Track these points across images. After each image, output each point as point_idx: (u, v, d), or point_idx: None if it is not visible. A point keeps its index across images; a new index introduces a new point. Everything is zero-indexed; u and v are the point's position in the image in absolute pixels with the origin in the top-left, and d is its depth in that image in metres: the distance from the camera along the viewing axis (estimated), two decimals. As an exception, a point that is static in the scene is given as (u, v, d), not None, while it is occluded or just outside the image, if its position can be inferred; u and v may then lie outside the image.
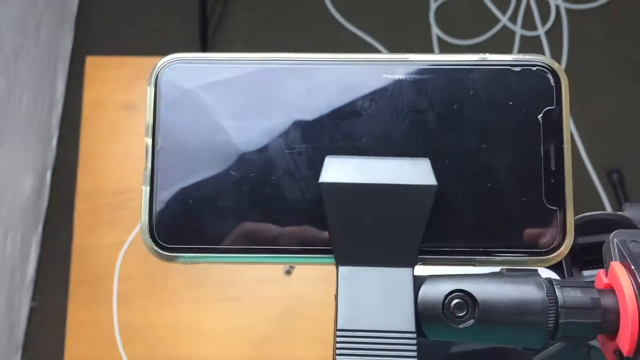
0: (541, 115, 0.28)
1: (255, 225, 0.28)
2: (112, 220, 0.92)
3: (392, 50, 1.58)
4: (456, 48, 1.59)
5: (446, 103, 0.28)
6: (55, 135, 1.49)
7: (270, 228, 0.28)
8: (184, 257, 0.28)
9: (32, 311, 1.38)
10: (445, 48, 1.59)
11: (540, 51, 1.58)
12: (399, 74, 0.28)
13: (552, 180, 0.28)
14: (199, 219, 0.28)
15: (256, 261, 0.28)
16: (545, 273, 0.33)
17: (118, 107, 0.96)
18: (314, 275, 0.86)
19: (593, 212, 0.35)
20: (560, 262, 0.36)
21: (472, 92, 0.28)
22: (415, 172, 0.27)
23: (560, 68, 0.28)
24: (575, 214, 0.28)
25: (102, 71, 0.97)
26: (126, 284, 0.88)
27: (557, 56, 1.57)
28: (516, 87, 0.28)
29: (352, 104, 0.28)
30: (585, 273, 0.35)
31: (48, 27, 1.43)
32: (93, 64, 0.98)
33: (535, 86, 0.28)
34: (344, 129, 0.28)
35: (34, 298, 1.39)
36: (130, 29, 1.59)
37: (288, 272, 0.86)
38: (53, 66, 1.46)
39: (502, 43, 1.60)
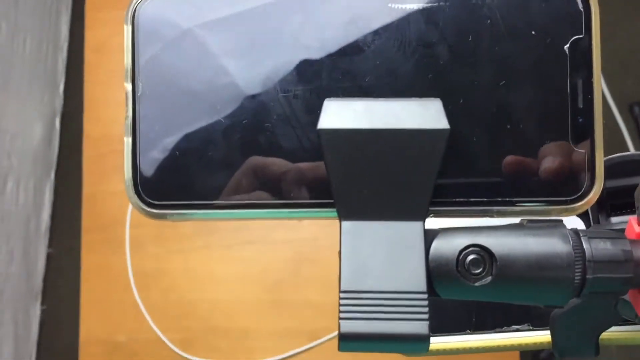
0: (568, 45, 0.25)
1: (249, 178, 0.25)
2: (121, 167, 0.90)
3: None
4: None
5: (459, 34, 0.25)
6: (62, 81, 1.46)
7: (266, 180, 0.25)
8: (172, 215, 0.25)
9: (49, 258, 1.39)
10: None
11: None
12: (406, 2, 0.25)
13: (580, 119, 0.25)
14: (187, 172, 0.25)
15: (250, 217, 0.25)
16: (569, 220, 0.31)
17: (120, 50, 0.93)
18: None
19: (622, 153, 0.32)
20: (585, 208, 0.33)
21: (489, 21, 0.25)
22: (425, 114, 0.24)
23: None
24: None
25: (103, 12, 0.94)
26: (137, 230, 0.88)
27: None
28: (539, 14, 0.25)
29: (353, 38, 0.25)
30: (614, 219, 0.33)
31: (48, -32, 1.38)
32: (93, 4, 0.94)
33: (561, 13, 0.25)
34: (344, 67, 0.25)
35: (50, 245, 1.39)
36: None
37: (300, 217, 0.85)
38: (56, 9, 1.42)
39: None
